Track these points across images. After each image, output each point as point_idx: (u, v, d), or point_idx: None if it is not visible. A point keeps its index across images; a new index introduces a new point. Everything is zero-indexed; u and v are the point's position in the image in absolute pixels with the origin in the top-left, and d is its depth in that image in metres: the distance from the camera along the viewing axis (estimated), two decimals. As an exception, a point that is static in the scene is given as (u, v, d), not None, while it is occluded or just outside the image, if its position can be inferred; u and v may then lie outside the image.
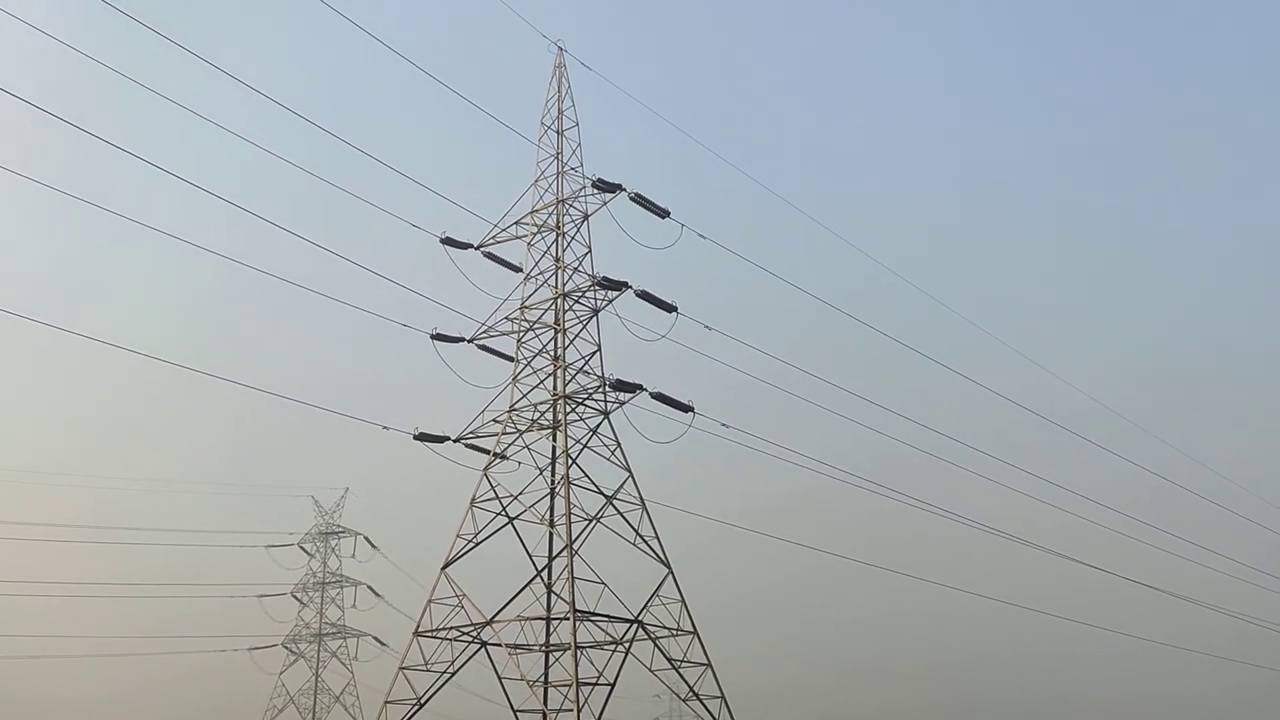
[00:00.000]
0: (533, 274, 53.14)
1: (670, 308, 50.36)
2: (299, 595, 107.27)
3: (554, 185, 53.74)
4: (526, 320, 52.35)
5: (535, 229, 53.59)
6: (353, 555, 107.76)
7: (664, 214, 51.27)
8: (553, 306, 51.71)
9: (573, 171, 53.83)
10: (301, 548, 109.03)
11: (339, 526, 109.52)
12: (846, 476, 54.45)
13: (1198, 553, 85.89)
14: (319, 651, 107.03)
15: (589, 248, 52.54)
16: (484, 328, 53.04)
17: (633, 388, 49.19)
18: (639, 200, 51.10)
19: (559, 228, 52.81)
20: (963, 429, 61.16)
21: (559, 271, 52.08)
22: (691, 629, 47.91)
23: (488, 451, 50.95)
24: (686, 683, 47.12)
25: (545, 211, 53.61)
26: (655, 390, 49.37)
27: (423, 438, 51.45)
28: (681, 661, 47.28)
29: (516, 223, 54.07)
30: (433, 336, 51.88)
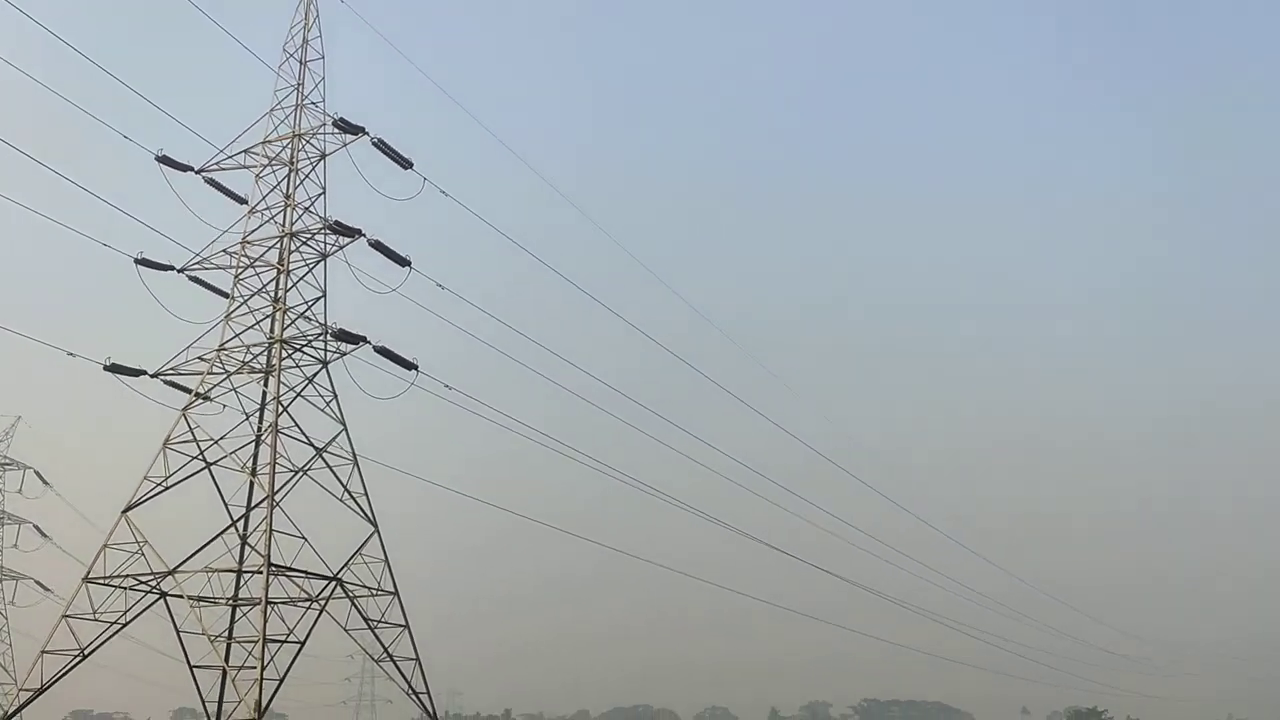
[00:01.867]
0: (259, 208, 50.04)
1: (404, 262, 48.94)
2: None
3: (291, 118, 50.79)
4: (247, 256, 49.23)
5: (266, 161, 50.44)
6: (19, 490, 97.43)
7: (407, 164, 49.67)
8: (277, 245, 48.91)
9: (313, 106, 51.09)
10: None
11: (6, 458, 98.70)
12: (557, 445, 55.26)
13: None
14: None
15: (323, 189, 50.10)
16: (198, 258, 49.41)
17: (355, 339, 47.43)
18: (381, 147, 49.21)
19: (292, 163, 49.96)
20: (672, 409, 63.87)
21: (288, 209, 49.30)
22: (393, 589, 47.04)
23: (189, 391, 47.55)
24: (382, 644, 46.26)
25: (279, 144, 50.56)
26: (379, 344, 47.84)
27: (115, 369, 47.27)
28: (379, 622, 46.35)
29: (246, 151, 50.71)
30: (137, 261, 47.71)
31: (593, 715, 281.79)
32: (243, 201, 51.29)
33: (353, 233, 48.11)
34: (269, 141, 50.60)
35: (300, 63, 51.55)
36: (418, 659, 47.23)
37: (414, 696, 46.88)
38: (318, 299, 48.71)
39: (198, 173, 50.65)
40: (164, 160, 49.25)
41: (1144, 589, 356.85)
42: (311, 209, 49.43)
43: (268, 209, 49.84)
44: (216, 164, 50.63)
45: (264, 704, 38.84)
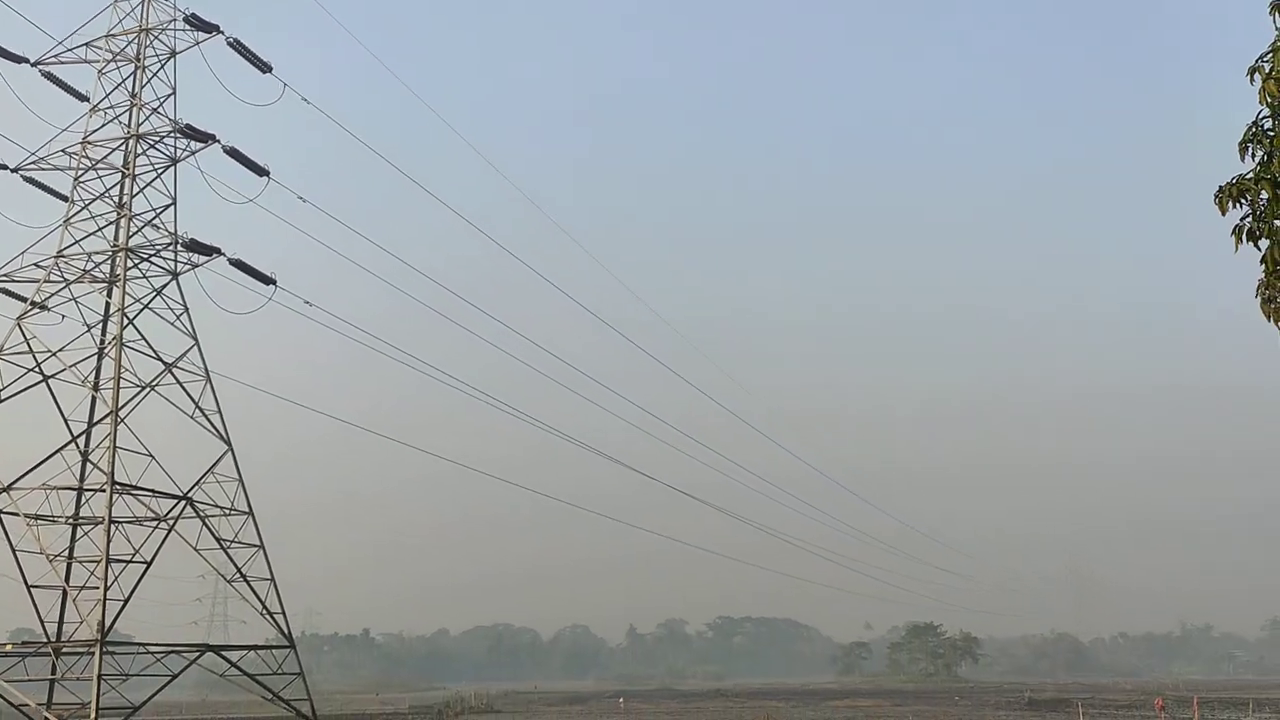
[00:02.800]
0: (102, 107, 46.93)
1: (262, 171, 46.90)
2: None
3: (139, 11, 47.52)
4: (89, 158, 46.25)
5: (110, 56, 47.20)
6: None
7: (266, 68, 47.34)
8: (122, 147, 46.08)
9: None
10: None
11: None
12: (424, 367, 54.63)
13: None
14: None
15: (173, 89, 47.25)
16: (33, 158, 46.21)
17: (208, 250, 45.34)
18: (238, 47, 46.68)
19: (139, 59, 46.88)
20: (558, 344, 63.84)
21: (134, 109, 46.38)
22: (247, 510, 45.91)
23: (25, 299, 44.74)
24: (235, 564, 45.25)
25: (125, 38, 47.32)
26: (234, 256, 45.91)
27: (-60, 274, 44.14)
28: (231, 542, 45.25)
29: (87, 44, 47.35)
30: (-36, 158, 44.31)
31: (452, 634, 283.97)
32: (84, 99, 48.05)
33: (205, 137, 45.72)
34: (113, 35, 47.31)
35: (148, -49, 48.08)
36: (272, 579, 46.45)
37: (269, 616, 46.19)
38: (167, 206, 46.26)
39: (33, 65, 47.15)
40: (-6, 49, 45.56)
41: (976, 514, 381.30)
42: (160, 110, 46.64)
43: (111, 108, 46.82)
44: (54, 56, 47.19)
45: (107, 624, 37.63)
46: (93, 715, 36.06)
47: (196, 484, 44.26)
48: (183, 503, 43.11)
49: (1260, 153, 10.89)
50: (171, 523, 42.26)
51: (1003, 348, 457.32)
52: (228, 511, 45.37)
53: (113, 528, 39.70)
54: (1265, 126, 10.89)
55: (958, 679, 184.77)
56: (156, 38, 47.19)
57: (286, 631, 46.95)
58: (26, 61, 47.00)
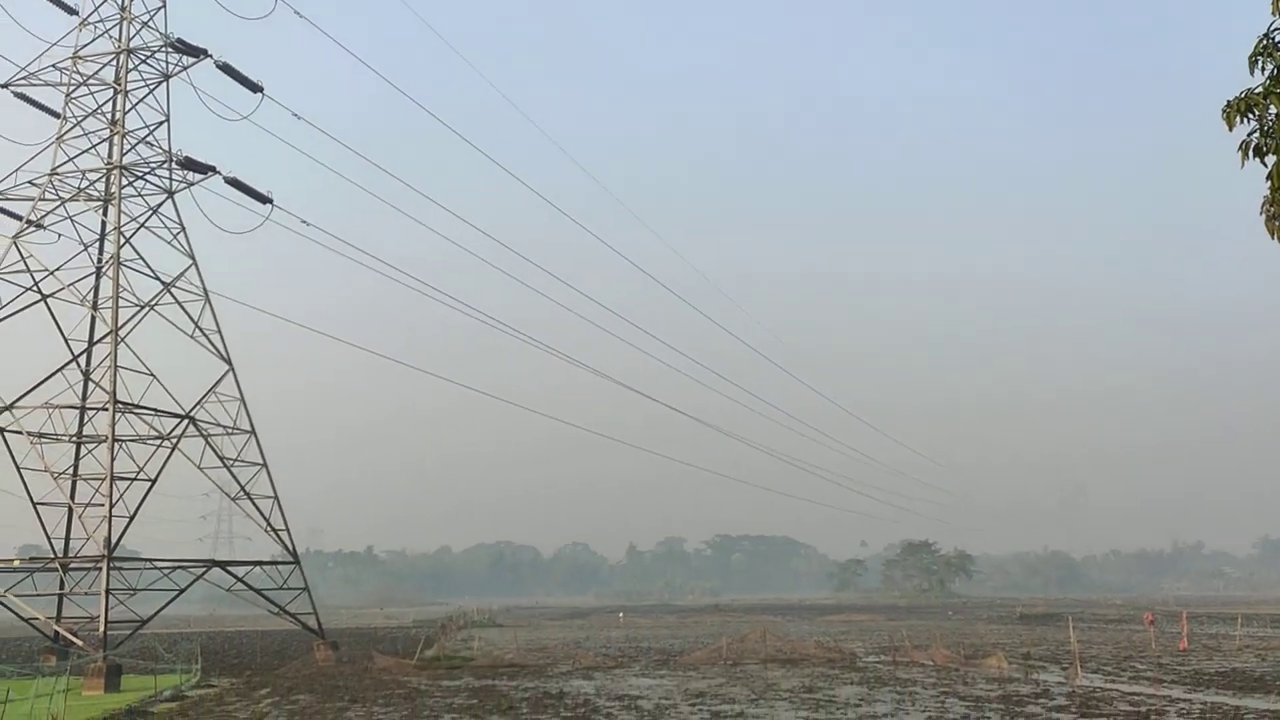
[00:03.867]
0: (91, 20, 45.99)
1: (255, 87, 46.16)
2: None
3: (125, -81, 46.20)
4: (80, 73, 45.48)
5: (98, -33, 46.03)
6: None
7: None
8: (114, 62, 45.28)
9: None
10: None
11: None
12: (417, 285, 54.45)
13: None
14: None
15: (163, 2, 46.21)
16: (23, 73, 45.43)
17: (205, 169, 44.85)
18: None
19: (128, -29, 45.77)
20: (530, 250, 63.50)
21: (124, 22, 45.45)
22: (250, 428, 46.20)
23: (20, 217, 44.41)
24: (238, 481, 45.72)
25: (112, -50, 46.11)
26: (230, 175, 45.45)
27: (-67, 191, 43.74)
28: (234, 460, 45.66)
29: (74, -45, 46.15)
30: (-47, 73, 43.55)
31: (454, 551, 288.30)
32: (74, 12, 47.10)
33: (197, 52, 44.90)
34: (100, -55, 46.08)
35: None
36: (275, 496, 47.00)
37: (273, 533, 46.84)
38: (161, 123, 45.62)
39: (19, -24, 45.97)
40: (-22, -40, 44.50)
41: (977, 439, 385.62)
42: (150, 24, 45.70)
43: (101, 22, 45.90)
44: (40, -33, 46.01)
45: (114, 541, 38.17)
46: (101, 628, 36.78)
47: (199, 403, 44.46)
48: (185, 421, 43.36)
49: (1271, 66, 10.65)
50: (175, 441, 42.57)
51: (1004, 282, 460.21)
52: (230, 430, 45.67)
53: (116, 446, 40.00)
54: (1276, 39, 10.64)
55: (951, 595, 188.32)
56: (144, -52, 45.96)
57: (290, 547, 47.65)
58: (12, -27, 45.86)
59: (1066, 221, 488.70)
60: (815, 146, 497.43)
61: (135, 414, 41.82)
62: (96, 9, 45.97)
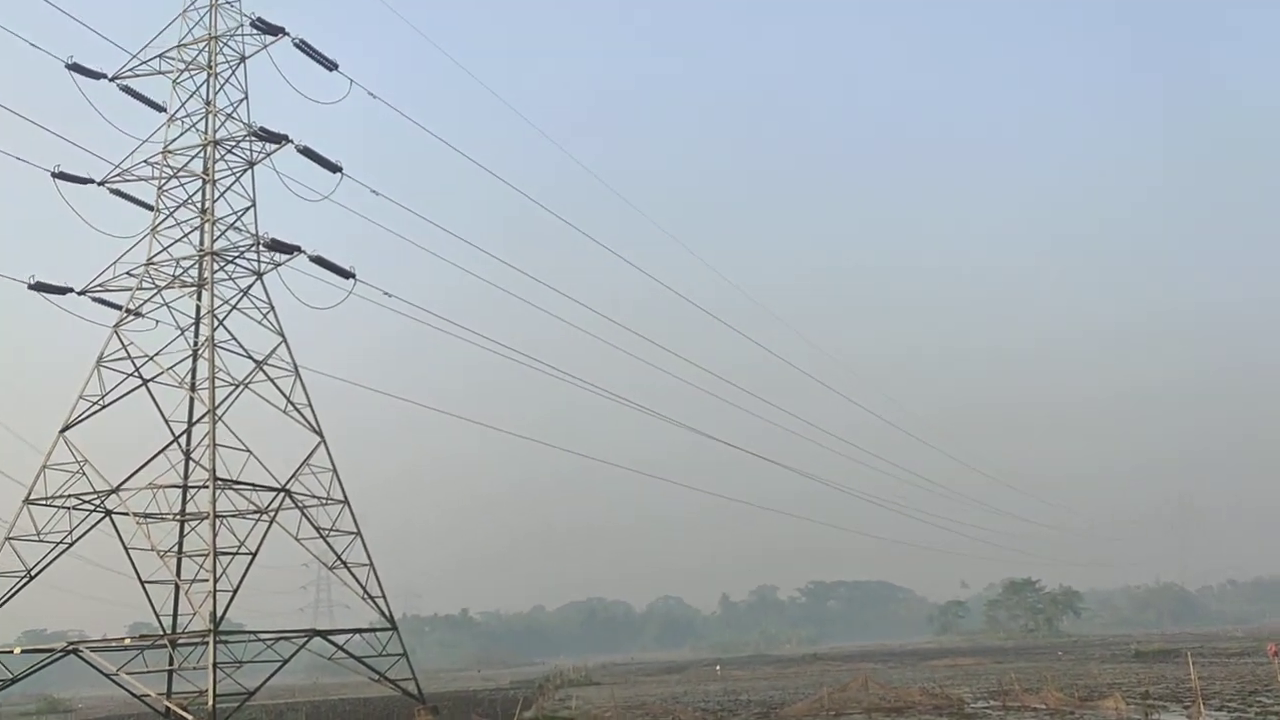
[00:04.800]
0: (179, 116, 48.32)
1: (335, 167, 47.78)
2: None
3: (207, 19, 48.69)
4: (170, 166, 47.69)
5: (183, 65, 48.49)
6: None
7: (332, 66, 48.13)
8: (201, 154, 47.40)
9: (228, 6, 48.98)
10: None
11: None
12: (506, 352, 55.24)
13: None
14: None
15: (245, 93, 48.41)
16: (118, 170, 47.80)
17: (290, 249, 46.47)
18: (304, 48, 47.53)
19: (211, 67, 48.10)
20: (610, 306, 64.07)
21: (209, 116, 47.64)
22: (342, 498, 47.23)
23: (119, 307, 46.49)
24: (334, 551, 46.65)
25: (195, 47, 48.56)
26: (314, 253, 46.98)
27: (40, 288, 46.11)
28: (330, 530, 46.63)
29: (161, 56, 48.68)
30: (55, 175, 46.11)
31: (548, 609, 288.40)
32: (161, 109, 49.51)
33: (279, 138, 46.74)
34: (185, 45, 48.59)
35: (211, -40, 49.15)
36: (371, 564, 47.76)
37: (370, 600, 47.55)
38: (247, 208, 47.52)
39: (111, 80, 48.64)
40: (75, 68, 47.22)
41: (1061, 466, 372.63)
42: (234, 115, 47.83)
43: (188, 116, 48.16)
44: (131, 70, 48.64)
45: (219, 615, 39.16)
46: (210, 702, 37.61)
47: (293, 475, 45.68)
48: (282, 494, 44.56)
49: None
50: (273, 514, 43.75)
51: (1072, 274, 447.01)
52: (324, 501, 46.74)
53: (218, 522, 41.20)
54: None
55: (1060, 634, 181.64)
56: (226, 44, 48.35)
57: (388, 614, 48.28)
58: (105, 77, 48.50)
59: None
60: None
61: (234, 489, 43.12)
62: (183, 104, 48.30)
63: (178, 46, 48.53)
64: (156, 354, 45.30)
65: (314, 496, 46.39)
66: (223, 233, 46.68)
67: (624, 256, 72.40)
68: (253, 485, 43.75)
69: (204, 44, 48.37)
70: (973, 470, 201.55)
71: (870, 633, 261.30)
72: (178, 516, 45.80)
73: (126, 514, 43.22)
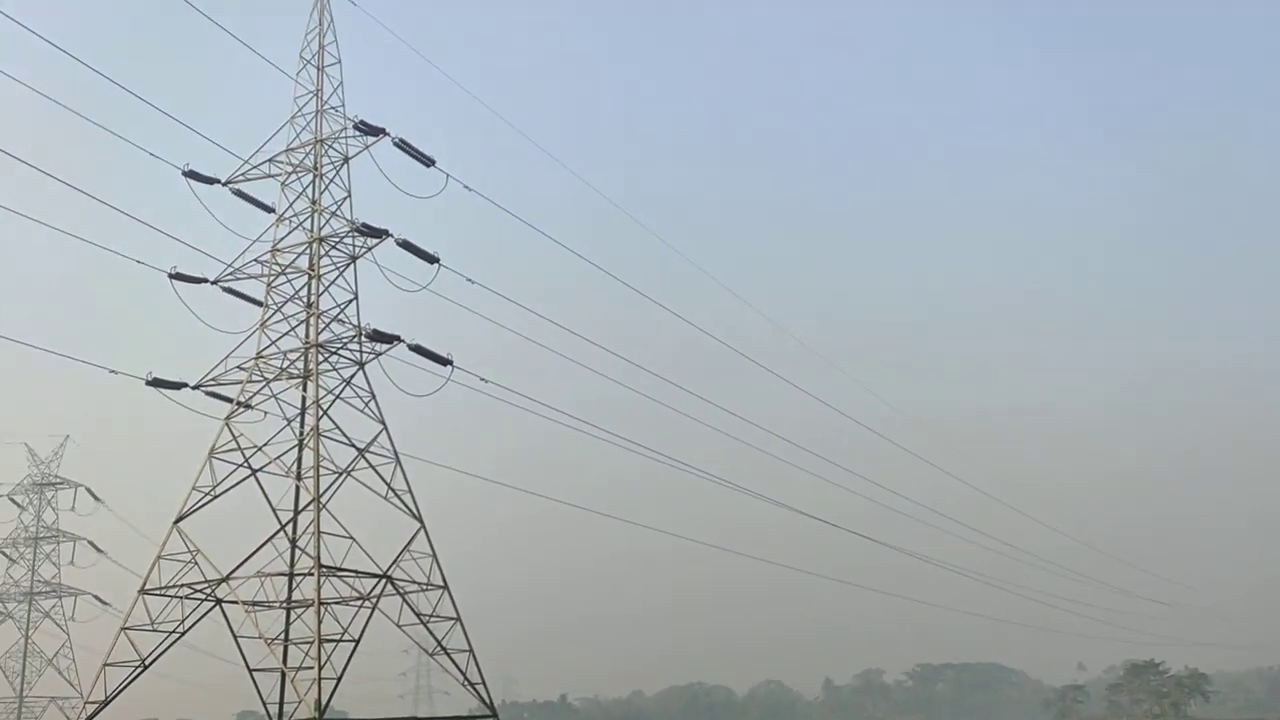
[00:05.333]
0: (286, 216, 50.51)
1: (432, 258, 49.23)
2: (8, 551, 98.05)
3: (312, 124, 51.16)
4: (278, 264, 49.77)
5: (291, 168, 50.87)
6: (72, 508, 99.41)
7: (429, 162, 49.93)
8: (307, 251, 49.38)
9: (333, 111, 51.40)
10: (12, 499, 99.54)
11: (57, 477, 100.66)
12: (596, 431, 55.49)
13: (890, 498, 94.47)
14: (29, 611, 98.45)
15: (348, 192, 50.46)
16: (230, 269, 50.02)
17: (390, 338, 47.84)
18: (403, 146, 49.47)
19: (317, 168, 50.36)
20: (696, 381, 63.88)
21: (315, 215, 49.73)
22: (442, 584, 47.58)
23: (230, 400, 48.25)
24: (435, 637, 46.85)
25: (302, 150, 50.96)
26: (413, 342, 48.24)
27: (157, 383, 48.10)
28: (430, 616, 46.92)
29: (270, 160, 51.17)
30: (171, 276, 48.42)
31: (647, 694, 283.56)
32: (270, 210, 51.82)
33: (380, 233, 48.47)
34: (292, 149, 51.01)
35: (318, 69, 51.84)
36: (471, 651, 47.78)
37: (470, 687, 47.48)
38: (350, 301, 49.17)
39: (224, 184, 51.18)
40: (191, 175, 49.84)
41: (1183, 537, 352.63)
42: (338, 212, 49.85)
43: (295, 215, 50.32)
44: (242, 175, 51.13)
45: (324, 702, 39.51)
46: (317, 791, 37.73)
47: (394, 562, 46.26)
48: (383, 581, 45.13)
49: None
50: (374, 601, 44.28)
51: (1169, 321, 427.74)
52: (425, 587, 47.15)
53: (322, 609, 41.87)
54: None
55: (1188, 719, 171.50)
56: (331, 146, 50.65)
57: (488, 700, 48.09)
58: (218, 182, 51.10)
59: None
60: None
61: (338, 577, 43.84)
62: (290, 204, 50.52)
63: (286, 150, 50.98)
64: (265, 444, 46.74)
65: (414, 582, 46.84)
66: (327, 325, 48.32)
67: (718, 336, 72.50)
68: (355, 572, 44.44)
69: (310, 147, 50.73)
70: (1087, 546, 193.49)
71: (982, 718, 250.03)
72: (284, 604, 46.64)
73: (235, 602, 44.23)
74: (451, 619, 47.49)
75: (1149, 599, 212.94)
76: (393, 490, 47.42)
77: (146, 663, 44.02)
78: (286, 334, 48.88)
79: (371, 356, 48.58)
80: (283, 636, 46.34)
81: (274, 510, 47.00)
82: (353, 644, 42.78)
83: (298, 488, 47.15)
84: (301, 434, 47.61)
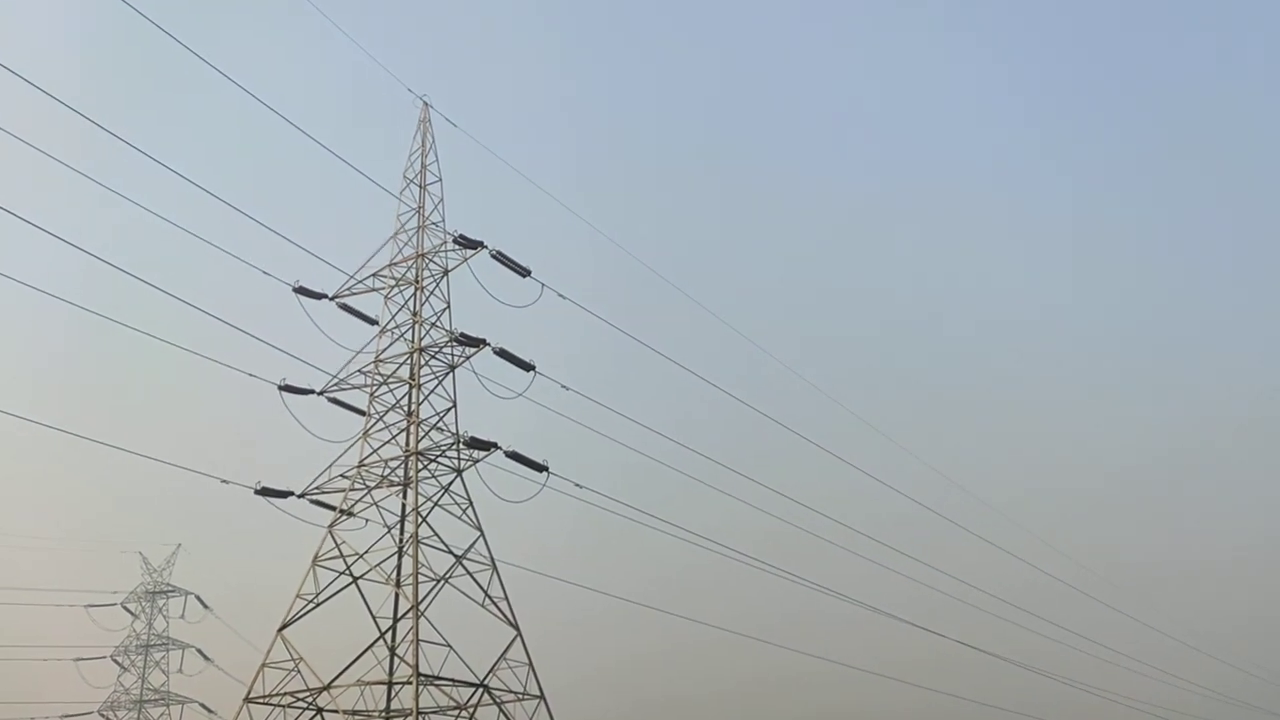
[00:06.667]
0: (389, 327, 52.27)
1: (528, 366, 50.21)
2: (119, 659, 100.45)
3: (414, 239, 53.27)
4: (380, 374, 51.32)
5: (393, 282, 52.85)
6: (182, 616, 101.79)
7: (525, 272, 51.36)
8: (408, 361, 50.87)
9: (434, 226, 53.54)
10: (125, 607, 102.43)
11: (168, 585, 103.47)
12: (702, 542, 54.93)
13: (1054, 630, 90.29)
14: (139, 719, 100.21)
15: (448, 303, 52.11)
16: (335, 380, 51.72)
17: (487, 445, 48.60)
18: (500, 258, 51.06)
19: (418, 282, 52.21)
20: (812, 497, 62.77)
21: (416, 326, 51.36)
22: (539, 693, 47.06)
23: (333, 508, 49.35)
24: (532, 748, 46.12)
25: (404, 265, 52.99)
26: (510, 449, 48.90)
27: (265, 492, 49.50)
28: (528, 727, 46.30)
29: (374, 275, 53.26)
30: (280, 388, 50.25)
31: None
32: (374, 323, 53.69)
33: (478, 343, 49.73)
34: (395, 264, 53.09)
35: (420, 187, 54.25)
36: (567, 762, 46.88)
37: (567, 801, 46.40)
38: (449, 409, 50.25)
39: (331, 299, 53.32)
40: (300, 291, 52.10)
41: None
42: (438, 323, 51.40)
43: (397, 327, 52.04)
44: (348, 289, 53.26)
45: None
46: None
47: (491, 670, 46.05)
48: (480, 690, 44.87)
49: None
50: (471, 710, 43.98)
51: None
52: (521, 696, 46.69)
53: (420, 718, 41.72)
54: None
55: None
56: (431, 260, 52.59)
57: (586, 817, 46.91)
58: (325, 297, 53.30)
59: None
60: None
61: (436, 686, 43.77)
62: (393, 316, 52.32)
63: (389, 265, 53.09)
64: (366, 552, 47.50)
65: (511, 691, 46.44)
66: (426, 433, 49.35)
67: (814, 441, 71.61)
68: (453, 681, 44.33)
69: (411, 261, 52.73)
70: (1176, 639, 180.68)
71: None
72: (382, 714, 46.63)
73: (336, 711, 44.40)
74: (549, 729, 46.76)
75: (1231, 698, 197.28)
76: (489, 597, 47.49)
77: (249, 772, 44.27)
78: (388, 442, 50.05)
79: (469, 463, 49.33)
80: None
81: (374, 617, 47.41)
82: (450, 755, 42.39)
83: (397, 595, 47.58)
84: (401, 541, 48.23)
